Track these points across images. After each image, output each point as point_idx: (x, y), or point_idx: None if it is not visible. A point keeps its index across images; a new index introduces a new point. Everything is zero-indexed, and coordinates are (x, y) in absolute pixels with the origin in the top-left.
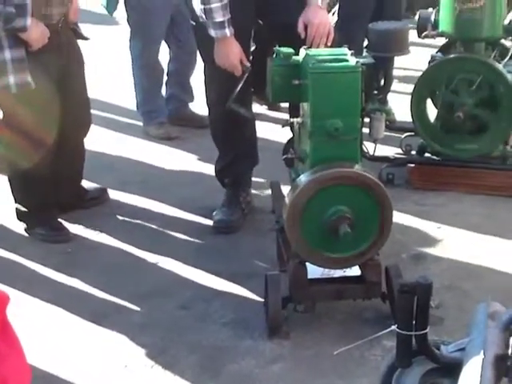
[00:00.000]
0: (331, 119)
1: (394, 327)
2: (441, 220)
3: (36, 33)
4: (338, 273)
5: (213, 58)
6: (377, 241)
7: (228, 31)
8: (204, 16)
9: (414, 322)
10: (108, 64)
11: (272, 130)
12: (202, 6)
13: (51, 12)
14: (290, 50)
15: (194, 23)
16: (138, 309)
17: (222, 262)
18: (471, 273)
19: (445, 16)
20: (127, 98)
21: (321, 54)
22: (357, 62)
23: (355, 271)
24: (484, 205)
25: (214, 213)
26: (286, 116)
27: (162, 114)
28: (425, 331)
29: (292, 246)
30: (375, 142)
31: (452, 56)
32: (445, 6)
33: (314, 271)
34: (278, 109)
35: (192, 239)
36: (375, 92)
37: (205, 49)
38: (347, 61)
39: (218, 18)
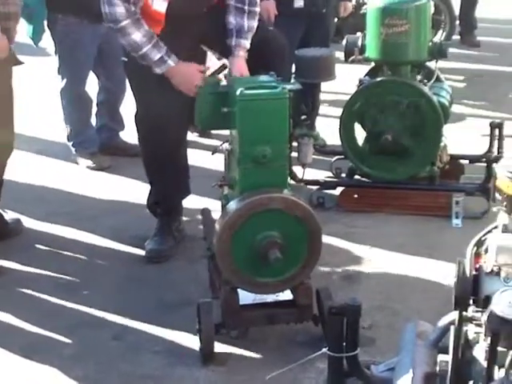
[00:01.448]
0: (259, 146)
1: (324, 349)
2: (370, 241)
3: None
4: (270, 297)
5: (143, 93)
6: (306, 265)
7: (171, 61)
8: (142, 61)
9: (344, 344)
10: (37, 95)
11: (204, 157)
12: (136, 55)
13: None
14: (218, 78)
15: (126, 59)
16: (70, 341)
17: (153, 291)
18: (401, 292)
19: (371, 40)
20: (58, 129)
21: (248, 82)
22: (283, 88)
23: (287, 295)
24: (412, 225)
25: (147, 242)
26: (217, 143)
27: (93, 144)
28: (355, 352)
29: (223, 272)
30: (304, 166)
31: (379, 79)
32: (371, 30)
33: (246, 297)
34: (210, 136)
35: (124, 269)
36: (303, 117)
37: (135, 83)
38: (275, 88)
39: (156, 57)
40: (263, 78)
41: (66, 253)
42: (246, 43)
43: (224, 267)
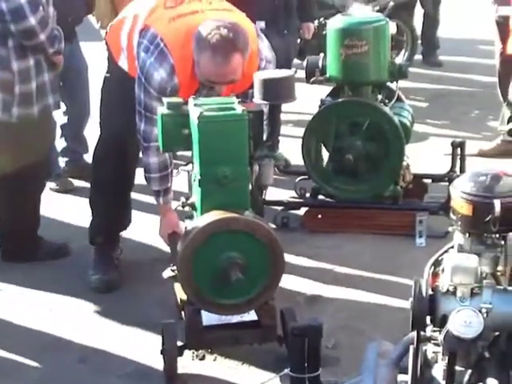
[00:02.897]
0: (219, 167)
1: (287, 370)
2: (335, 261)
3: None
4: (235, 318)
5: (112, 114)
6: (269, 286)
7: (161, 200)
8: (145, 179)
9: (306, 364)
10: None
11: None
12: (144, 173)
13: None
14: (179, 100)
15: (108, 75)
16: (36, 364)
17: (119, 313)
18: (365, 311)
19: (332, 61)
20: None
21: (208, 103)
22: (243, 110)
23: (252, 316)
24: (376, 244)
25: (91, 273)
26: (181, 163)
27: (57, 167)
28: (317, 373)
29: (185, 293)
30: (265, 187)
31: (340, 100)
32: (331, 51)
33: (210, 318)
34: (174, 156)
35: (86, 292)
36: (263, 139)
37: (107, 102)
38: (234, 109)
39: (154, 187)
40: (223, 99)
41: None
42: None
43: (186, 288)
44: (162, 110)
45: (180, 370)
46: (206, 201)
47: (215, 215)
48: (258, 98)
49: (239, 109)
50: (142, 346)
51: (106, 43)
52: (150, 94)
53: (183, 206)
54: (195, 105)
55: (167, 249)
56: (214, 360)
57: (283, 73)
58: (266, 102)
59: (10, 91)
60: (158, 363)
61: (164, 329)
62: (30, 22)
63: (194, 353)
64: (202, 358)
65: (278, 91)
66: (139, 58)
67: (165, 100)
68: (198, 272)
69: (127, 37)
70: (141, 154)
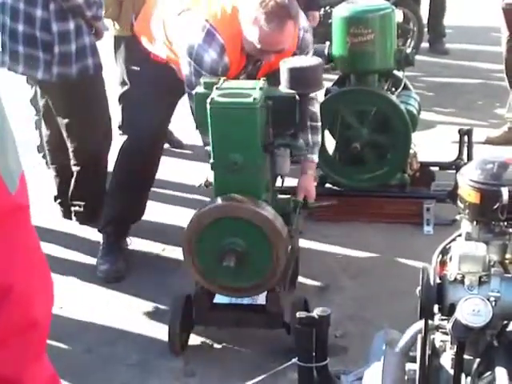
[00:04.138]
0: (230, 153)
1: (294, 360)
2: (344, 250)
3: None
4: (246, 300)
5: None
6: (271, 276)
7: None
8: None
9: (314, 354)
10: None
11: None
12: None
13: None
14: (213, 80)
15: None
16: None
17: (126, 303)
18: (374, 301)
19: (337, 50)
20: None
21: (229, 88)
22: (254, 98)
23: (262, 301)
24: (384, 233)
25: (99, 262)
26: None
27: None
28: (325, 362)
29: (190, 272)
30: (281, 177)
31: (346, 88)
32: (337, 40)
33: (221, 296)
34: (182, 146)
35: (93, 281)
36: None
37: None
38: (248, 96)
39: None
40: (248, 83)
41: None
42: (315, 157)
43: (190, 267)
44: (198, 88)
45: (187, 358)
46: (217, 184)
47: (222, 200)
48: (284, 87)
49: (256, 95)
50: (149, 336)
51: (135, 35)
52: (202, 76)
53: (206, 186)
54: (217, 88)
55: (174, 239)
56: (222, 348)
57: (310, 61)
58: (292, 91)
59: (49, 51)
60: (165, 353)
61: (172, 302)
62: None
63: (202, 342)
64: (211, 347)
65: (305, 80)
66: (185, 42)
67: (201, 79)
68: (202, 252)
69: (162, 24)
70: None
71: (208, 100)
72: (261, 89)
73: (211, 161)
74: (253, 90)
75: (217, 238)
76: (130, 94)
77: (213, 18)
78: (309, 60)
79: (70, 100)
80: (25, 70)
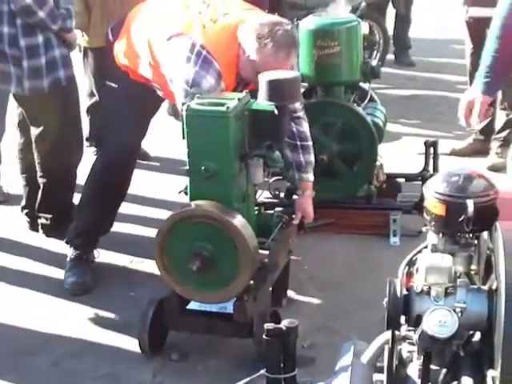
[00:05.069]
0: (203, 160)
1: (263, 371)
2: (310, 261)
3: (75, 35)
4: (215, 307)
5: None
6: (236, 284)
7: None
8: None
9: (282, 365)
10: None
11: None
12: None
13: None
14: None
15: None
16: (10, 368)
17: (93, 316)
18: (340, 311)
19: (304, 61)
20: None
21: (208, 97)
22: (228, 107)
23: (230, 309)
24: (351, 244)
25: (66, 275)
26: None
27: None
28: (293, 373)
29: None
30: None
31: (313, 100)
32: (304, 52)
33: (195, 303)
34: (149, 159)
35: (60, 294)
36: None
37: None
38: (223, 105)
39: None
40: (229, 95)
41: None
42: (310, 176)
43: (160, 271)
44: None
45: (156, 371)
46: (192, 191)
47: (191, 205)
48: (262, 99)
49: (231, 105)
50: (115, 349)
51: (109, 49)
52: None
53: (186, 193)
54: (197, 97)
55: (142, 251)
56: (190, 360)
57: (288, 74)
58: (270, 103)
59: (19, 66)
60: (133, 366)
61: (147, 304)
62: (25, 1)
63: (169, 356)
64: (179, 360)
65: (282, 92)
66: (179, 68)
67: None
68: (170, 256)
69: (147, 44)
70: None
71: (184, 107)
72: (239, 99)
73: (186, 167)
74: (230, 100)
75: (186, 241)
76: (105, 108)
77: (209, 43)
78: (287, 73)
79: (42, 111)
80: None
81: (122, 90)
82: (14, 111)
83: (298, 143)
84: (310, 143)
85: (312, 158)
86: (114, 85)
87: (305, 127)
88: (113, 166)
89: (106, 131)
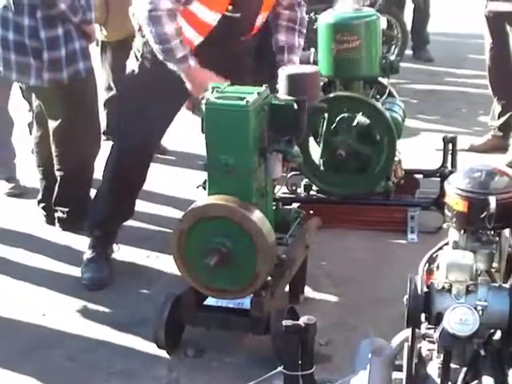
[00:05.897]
0: (222, 154)
1: (280, 368)
2: (327, 257)
3: (94, 27)
4: (232, 303)
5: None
6: (254, 279)
7: (192, 62)
8: (164, 57)
9: (300, 362)
10: None
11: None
12: (161, 47)
13: None
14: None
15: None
16: (26, 362)
17: (109, 311)
18: (358, 308)
19: (323, 56)
20: None
21: (228, 91)
22: (247, 101)
23: (247, 305)
24: (369, 240)
25: (83, 269)
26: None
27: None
28: (310, 370)
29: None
30: (273, 181)
31: (331, 95)
32: (322, 46)
33: (212, 299)
34: (166, 153)
35: (76, 289)
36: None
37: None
38: (242, 99)
39: (180, 54)
40: (247, 88)
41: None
42: (297, 59)
43: (178, 267)
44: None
45: (171, 366)
46: (211, 185)
47: (209, 200)
48: (282, 93)
49: (250, 99)
50: (131, 344)
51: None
52: None
53: (204, 187)
54: (214, 90)
55: (158, 246)
56: (206, 356)
57: (308, 68)
58: (290, 98)
59: (39, 58)
60: (149, 361)
61: (165, 298)
62: None
63: (184, 352)
64: (195, 356)
65: (303, 86)
66: None
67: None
68: (188, 251)
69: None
70: (151, 30)
71: (203, 100)
72: (259, 94)
73: (205, 161)
74: (250, 94)
75: (203, 237)
76: (125, 100)
77: None
78: (307, 67)
79: (61, 103)
80: (17, 77)
81: (142, 80)
82: (21, 107)
83: (297, 27)
84: (305, 30)
85: (302, 42)
86: (132, 72)
87: (304, 14)
88: (131, 159)
89: (125, 123)
